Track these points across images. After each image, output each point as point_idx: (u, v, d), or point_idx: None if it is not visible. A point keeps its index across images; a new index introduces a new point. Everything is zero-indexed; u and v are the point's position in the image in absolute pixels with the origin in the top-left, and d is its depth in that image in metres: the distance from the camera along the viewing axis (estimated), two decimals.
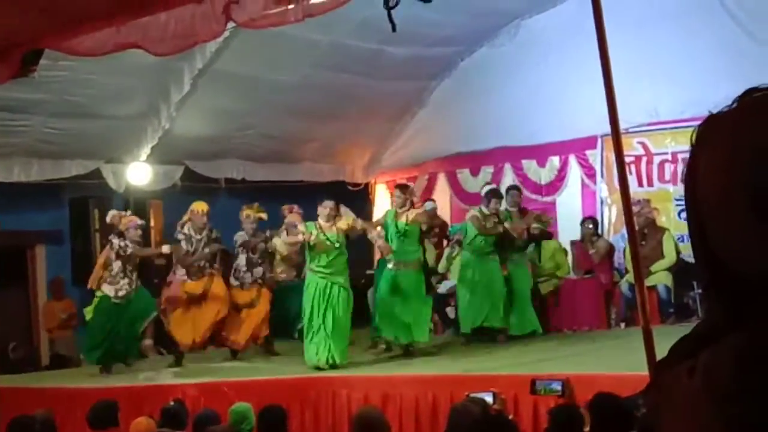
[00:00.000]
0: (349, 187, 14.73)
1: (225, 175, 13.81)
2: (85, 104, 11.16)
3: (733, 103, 0.94)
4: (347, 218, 9.75)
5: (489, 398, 5.67)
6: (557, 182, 13.48)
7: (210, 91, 11.64)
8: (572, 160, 13.32)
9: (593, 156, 13.07)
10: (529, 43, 12.81)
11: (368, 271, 12.76)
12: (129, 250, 10.33)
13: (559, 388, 5.31)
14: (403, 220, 9.92)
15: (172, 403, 7.32)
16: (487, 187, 11.26)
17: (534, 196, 13.56)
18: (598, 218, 12.54)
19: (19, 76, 5.77)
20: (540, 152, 13.59)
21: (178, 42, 4.99)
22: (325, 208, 9.80)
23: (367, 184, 15.32)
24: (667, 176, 12.49)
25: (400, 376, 8.40)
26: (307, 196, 10.76)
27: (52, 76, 9.82)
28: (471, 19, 12.27)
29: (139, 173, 12.49)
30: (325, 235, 9.57)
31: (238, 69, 11.48)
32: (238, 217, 11.14)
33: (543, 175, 13.61)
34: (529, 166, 13.73)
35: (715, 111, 0.98)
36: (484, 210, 10.77)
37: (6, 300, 12.66)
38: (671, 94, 11.97)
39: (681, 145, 12.28)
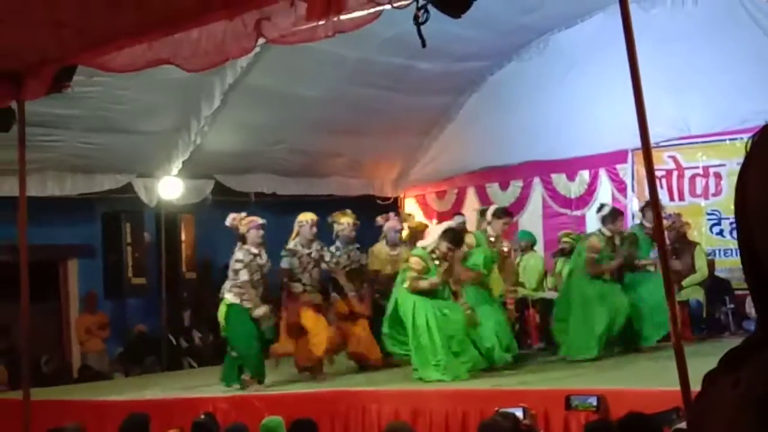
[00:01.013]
0: (379, 201, 14.75)
1: (255, 189, 13.88)
2: (118, 119, 11.29)
3: None
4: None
5: (519, 413, 5.65)
6: (587, 196, 13.42)
7: (240, 105, 11.73)
8: (602, 174, 13.27)
9: (624, 170, 13.01)
10: (558, 58, 12.79)
11: None
12: (261, 262, 9.41)
13: (594, 403, 5.27)
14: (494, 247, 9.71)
15: (202, 416, 7.34)
16: (606, 209, 10.22)
17: (563, 210, 13.53)
18: None
19: (53, 92, 5.86)
20: (569, 166, 13.54)
21: (210, 58, 5.04)
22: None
23: (396, 198, 15.34)
24: (698, 190, 12.40)
25: (430, 391, 8.37)
26: (337, 210, 10.76)
27: (85, 92, 9.95)
28: (499, 34, 12.27)
29: (170, 187, 12.59)
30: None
31: (268, 84, 11.55)
32: (268, 230, 11.11)
33: (573, 189, 13.57)
34: (559, 180, 13.70)
35: (745, 125, 0.99)
36: (605, 231, 9.92)
37: (38, 313, 12.72)
38: (702, 108, 11.89)
39: (712, 159, 12.22)
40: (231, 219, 9.61)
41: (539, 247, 12.46)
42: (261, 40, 4.87)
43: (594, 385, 7.38)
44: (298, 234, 9.88)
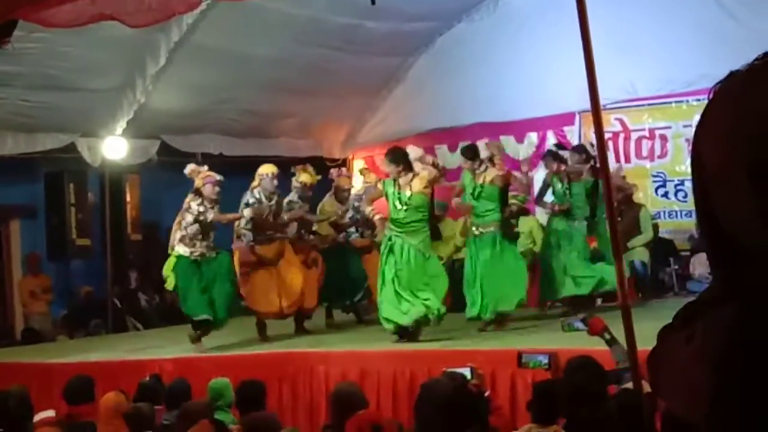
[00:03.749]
0: (327, 163, 14.67)
1: (202, 150, 13.69)
2: (61, 77, 11.03)
3: (743, 68, 0.94)
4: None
5: (467, 373, 5.67)
6: (535, 158, 13.45)
7: (187, 64, 11.54)
8: (550, 137, 13.34)
9: (571, 132, 13.09)
10: (508, 19, 12.78)
11: None
12: (209, 216, 9.28)
13: (546, 361, 5.32)
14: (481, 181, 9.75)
15: (148, 378, 7.30)
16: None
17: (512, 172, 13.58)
18: None
19: None
20: (518, 128, 13.59)
21: (155, 14, 4.92)
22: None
23: (344, 160, 15.28)
24: (644, 152, 12.55)
25: (378, 352, 8.40)
26: (285, 171, 10.68)
27: (26, 48, 9.68)
28: None
29: (115, 147, 12.38)
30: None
31: (216, 43, 11.37)
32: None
33: (521, 150, 13.62)
34: (507, 142, 13.71)
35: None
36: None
37: None
38: (649, 71, 12.00)
39: (658, 121, 12.37)
40: (189, 169, 9.56)
41: None
42: None
43: (543, 344, 7.45)
44: (258, 185, 9.84)
